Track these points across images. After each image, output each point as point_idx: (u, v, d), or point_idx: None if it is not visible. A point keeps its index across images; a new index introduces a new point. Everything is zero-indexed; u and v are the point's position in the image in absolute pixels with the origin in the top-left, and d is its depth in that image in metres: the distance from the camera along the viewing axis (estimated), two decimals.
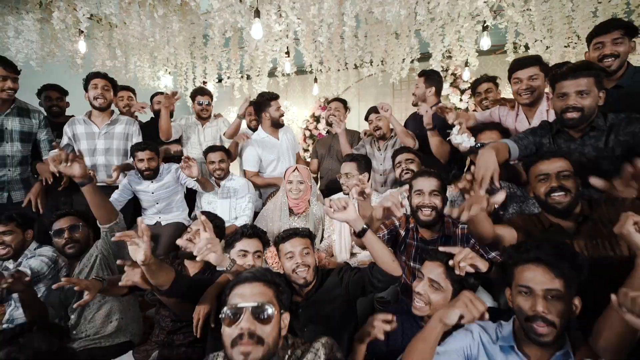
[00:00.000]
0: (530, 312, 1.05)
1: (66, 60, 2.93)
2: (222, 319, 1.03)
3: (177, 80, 3.72)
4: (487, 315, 1.10)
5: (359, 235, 1.37)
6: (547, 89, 1.86)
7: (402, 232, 1.86)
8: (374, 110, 2.67)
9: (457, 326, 1.14)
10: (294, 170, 2.45)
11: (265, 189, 2.97)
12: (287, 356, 1.05)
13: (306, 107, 5.95)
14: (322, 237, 2.52)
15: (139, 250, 1.20)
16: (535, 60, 1.91)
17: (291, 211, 2.47)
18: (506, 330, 1.17)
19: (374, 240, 1.38)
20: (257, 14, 2.19)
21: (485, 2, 2.28)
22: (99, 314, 1.80)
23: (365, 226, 1.37)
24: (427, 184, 1.70)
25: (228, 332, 1.00)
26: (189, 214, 2.92)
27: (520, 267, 1.11)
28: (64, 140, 2.66)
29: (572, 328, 1.12)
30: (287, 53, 3.17)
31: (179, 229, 2.70)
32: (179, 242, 1.42)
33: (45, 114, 2.72)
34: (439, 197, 1.68)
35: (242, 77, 4.21)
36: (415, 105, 2.72)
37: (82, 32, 2.64)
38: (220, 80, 4.11)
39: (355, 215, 1.37)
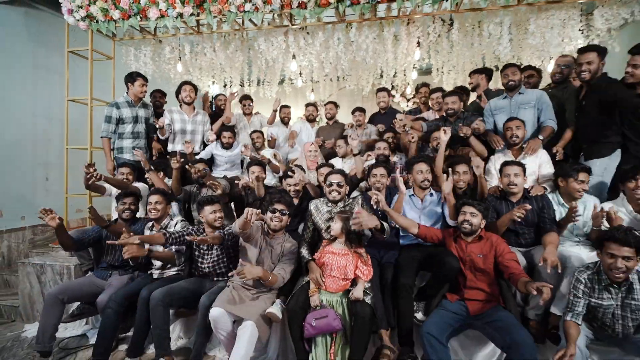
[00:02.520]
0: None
1: (163, 74, 4.61)
2: (324, 187, 2.88)
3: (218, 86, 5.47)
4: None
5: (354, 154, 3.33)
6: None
7: None
8: (357, 109, 4.56)
9: None
10: (311, 144, 4.35)
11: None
12: (349, 200, 2.92)
13: (298, 108, 7.81)
14: None
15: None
16: (440, 89, 3.96)
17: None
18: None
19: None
20: (294, 57, 4.07)
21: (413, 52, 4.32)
22: None
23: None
24: (382, 145, 3.67)
25: (327, 189, 2.84)
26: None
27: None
28: (166, 120, 4.07)
29: None
30: (300, 73, 5.04)
31: (238, 179, 4.46)
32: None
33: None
34: (387, 150, 3.66)
35: (257, 84, 6.01)
36: (383, 109, 4.71)
37: (180, 59, 4.36)
38: (242, 85, 5.89)
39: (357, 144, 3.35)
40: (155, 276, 3.05)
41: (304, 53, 4.16)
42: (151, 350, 2.89)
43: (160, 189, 3.17)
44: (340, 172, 2.89)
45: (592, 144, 3.02)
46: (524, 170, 2.67)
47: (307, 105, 4.91)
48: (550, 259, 2.17)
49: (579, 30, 3.72)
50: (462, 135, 3.18)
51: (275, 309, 2.48)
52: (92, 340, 3.14)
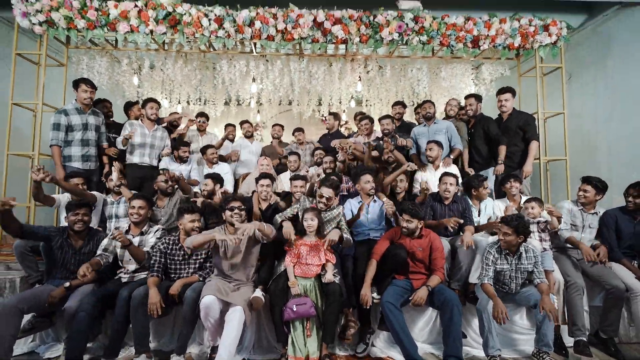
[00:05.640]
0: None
1: (115, 85, 4.57)
2: (318, 188, 3.31)
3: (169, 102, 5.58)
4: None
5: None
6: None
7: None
8: (297, 130, 5.16)
9: None
10: (264, 159, 4.78)
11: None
12: (337, 205, 3.38)
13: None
14: None
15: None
16: (366, 115, 4.82)
17: None
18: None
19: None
20: (254, 80, 4.53)
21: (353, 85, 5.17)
22: None
23: None
24: (328, 159, 4.31)
25: (319, 192, 3.28)
26: None
27: None
28: (125, 132, 4.09)
29: None
30: (251, 97, 5.49)
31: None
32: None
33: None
34: (334, 164, 4.30)
35: (204, 103, 6.24)
36: (329, 130, 5.40)
37: (135, 72, 4.44)
38: (188, 103, 6.07)
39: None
40: (124, 280, 3.07)
41: (261, 78, 4.66)
42: (122, 353, 2.90)
43: (144, 194, 3.27)
44: (332, 181, 3.32)
45: (479, 160, 4.32)
46: (457, 180, 3.56)
47: (242, 123, 5.26)
48: (466, 239, 3.07)
49: (471, 79, 5.05)
50: (404, 147, 4.12)
51: (259, 294, 2.81)
52: (47, 355, 2.97)
